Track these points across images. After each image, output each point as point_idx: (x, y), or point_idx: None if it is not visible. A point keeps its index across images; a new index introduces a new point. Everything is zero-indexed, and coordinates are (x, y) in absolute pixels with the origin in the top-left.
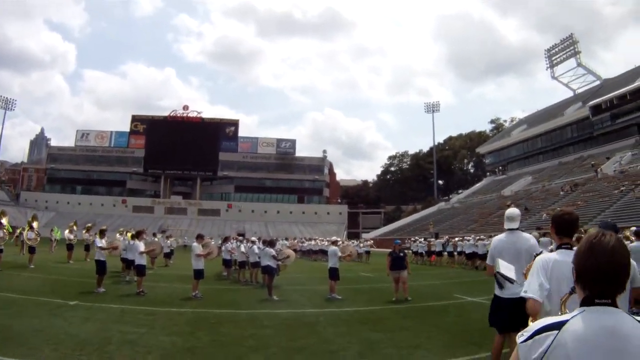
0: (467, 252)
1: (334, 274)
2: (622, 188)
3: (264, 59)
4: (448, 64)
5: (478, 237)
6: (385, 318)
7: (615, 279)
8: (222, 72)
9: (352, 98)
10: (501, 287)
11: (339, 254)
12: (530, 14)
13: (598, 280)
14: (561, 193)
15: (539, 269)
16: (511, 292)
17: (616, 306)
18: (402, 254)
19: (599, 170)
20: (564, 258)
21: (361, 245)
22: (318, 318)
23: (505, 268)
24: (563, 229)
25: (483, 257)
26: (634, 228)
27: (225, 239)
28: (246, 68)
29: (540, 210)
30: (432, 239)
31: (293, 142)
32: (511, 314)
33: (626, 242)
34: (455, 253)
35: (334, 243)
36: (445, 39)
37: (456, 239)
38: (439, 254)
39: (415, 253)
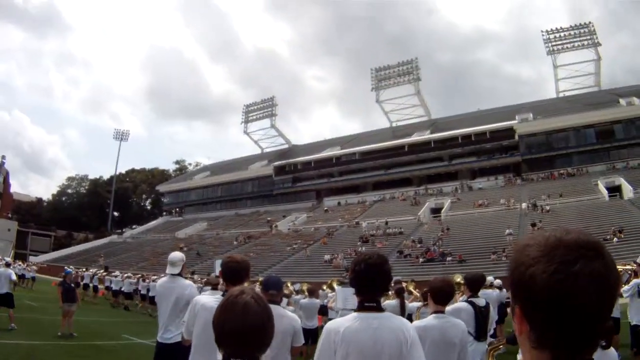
0: (113, 288)
1: (8, 300)
2: (294, 245)
3: None
4: (147, 95)
5: (126, 275)
6: (51, 356)
7: (247, 340)
8: None
9: (45, 106)
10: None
11: (14, 277)
12: (239, 68)
13: (230, 340)
14: (235, 242)
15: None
16: (160, 337)
17: None
18: (72, 285)
19: (274, 226)
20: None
21: (28, 269)
22: None
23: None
24: (227, 277)
25: (128, 295)
26: (297, 285)
27: None
28: None
29: (213, 256)
30: (82, 270)
31: None
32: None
33: (299, 297)
34: (109, 289)
35: (8, 265)
36: (151, 70)
37: (104, 273)
38: (86, 287)
39: None
